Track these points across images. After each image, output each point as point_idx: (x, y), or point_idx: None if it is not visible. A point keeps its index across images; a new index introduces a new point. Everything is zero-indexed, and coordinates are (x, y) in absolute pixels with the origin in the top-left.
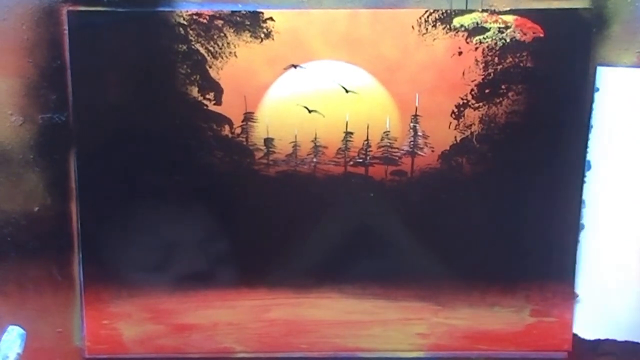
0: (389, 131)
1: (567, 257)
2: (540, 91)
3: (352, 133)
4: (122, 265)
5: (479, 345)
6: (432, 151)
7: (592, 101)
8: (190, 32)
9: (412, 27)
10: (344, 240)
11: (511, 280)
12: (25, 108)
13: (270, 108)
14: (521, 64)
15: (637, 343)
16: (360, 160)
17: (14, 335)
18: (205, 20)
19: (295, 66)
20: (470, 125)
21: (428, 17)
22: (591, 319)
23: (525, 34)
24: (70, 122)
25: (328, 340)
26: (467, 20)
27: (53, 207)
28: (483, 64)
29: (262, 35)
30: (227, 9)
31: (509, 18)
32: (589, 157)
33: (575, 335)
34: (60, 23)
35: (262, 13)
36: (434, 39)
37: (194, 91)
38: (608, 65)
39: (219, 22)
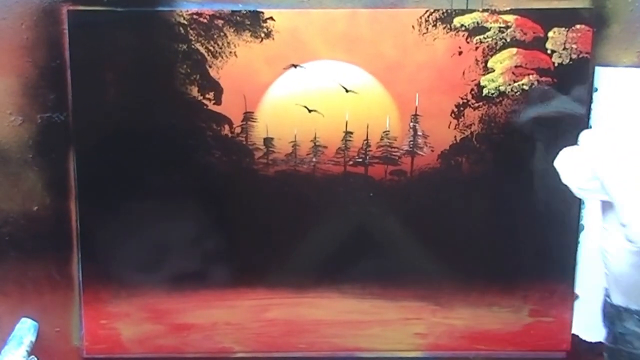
0: (388, 131)
1: (566, 257)
2: (540, 91)
3: (351, 133)
4: (121, 265)
5: (477, 345)
6: (432, 151)
7: (590, 101)
8: (191, 31)
9: (413, 26)
10: (343, 240)
11: (510, 280)
12: (24, 107)
13: (270, 108)
14: None
15: None
16: (360, 160)
17: (27, 325)
18: (205, 20)
19: (295, 66)
20: (470, 125)
21: (428, 16)
22: (591, 320)
23: (525, 34)
24: (70, 122)
25: (327, 340)
26: (467, 20)
27: (52, 206)
28: (483, 64)
29: (263, 35)
30: (227, 8)
31: (510, 18)
32: None
33: (574, 336)
34: (59, 22)
35: (263, 13)
36: (434, 39)
37: (194, 91)
38: (607, 65)
39: (220, 22)
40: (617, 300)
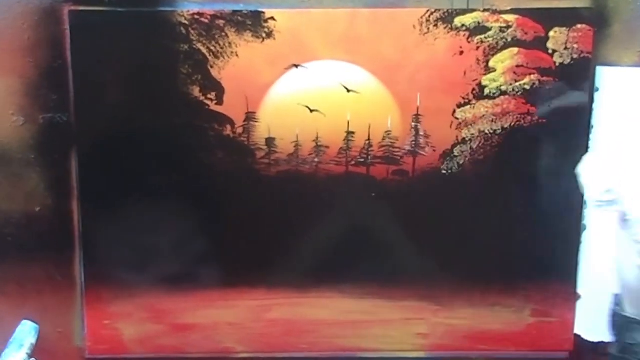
0: (390, 131)
1: (568, 258)
2: (541, 91)
3: (353, 133)
4: (123, 265)
5: (479, 345)
6: (434, 150)
7: (592, 101)
8: (192, 31)
9: (414, 26)
10: (345, 240)
11: (512, 280)
12: (27, 108)
13: (272, 108)
14: None
15: None
16: (362, 160)
17: (28, 327)
18: (206, 20)
19: (296, 66)
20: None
21: (429, 16)
22: (593, 320)
23: (526, 34)
24: (72, 122)
25: (328, 340)
26: (468, 19)
27: (54, 207)
28: (484, 64)
29: (264, 35)
30: (228, 8)
31: (511, 17)
32: None
33: (576, 336)
34: (61, 23)
35: (264, 13)
36: (435, 39)
37: (196, 91)
38: (608, 64)
39: (221, 22)
40: (629, 311)
